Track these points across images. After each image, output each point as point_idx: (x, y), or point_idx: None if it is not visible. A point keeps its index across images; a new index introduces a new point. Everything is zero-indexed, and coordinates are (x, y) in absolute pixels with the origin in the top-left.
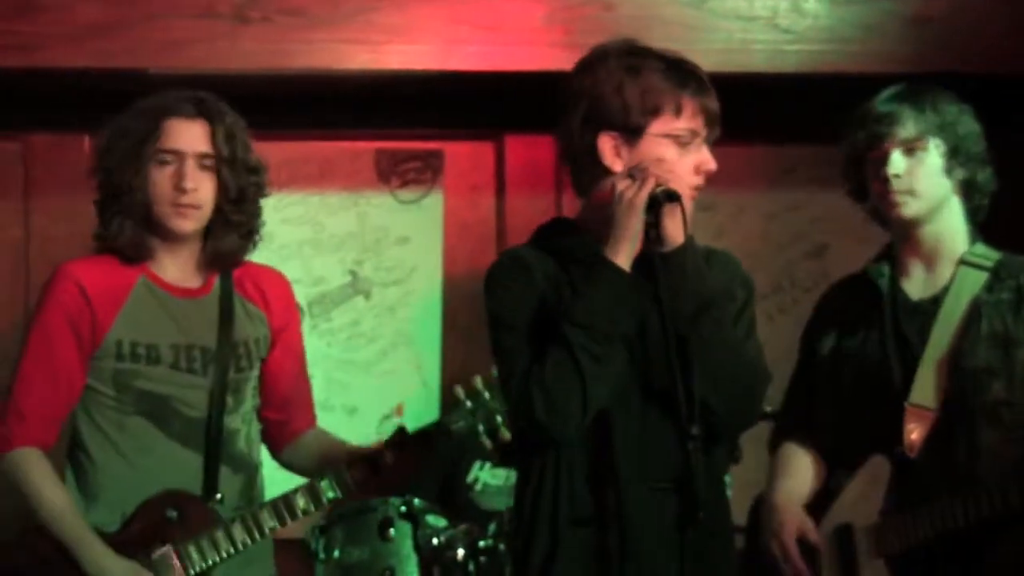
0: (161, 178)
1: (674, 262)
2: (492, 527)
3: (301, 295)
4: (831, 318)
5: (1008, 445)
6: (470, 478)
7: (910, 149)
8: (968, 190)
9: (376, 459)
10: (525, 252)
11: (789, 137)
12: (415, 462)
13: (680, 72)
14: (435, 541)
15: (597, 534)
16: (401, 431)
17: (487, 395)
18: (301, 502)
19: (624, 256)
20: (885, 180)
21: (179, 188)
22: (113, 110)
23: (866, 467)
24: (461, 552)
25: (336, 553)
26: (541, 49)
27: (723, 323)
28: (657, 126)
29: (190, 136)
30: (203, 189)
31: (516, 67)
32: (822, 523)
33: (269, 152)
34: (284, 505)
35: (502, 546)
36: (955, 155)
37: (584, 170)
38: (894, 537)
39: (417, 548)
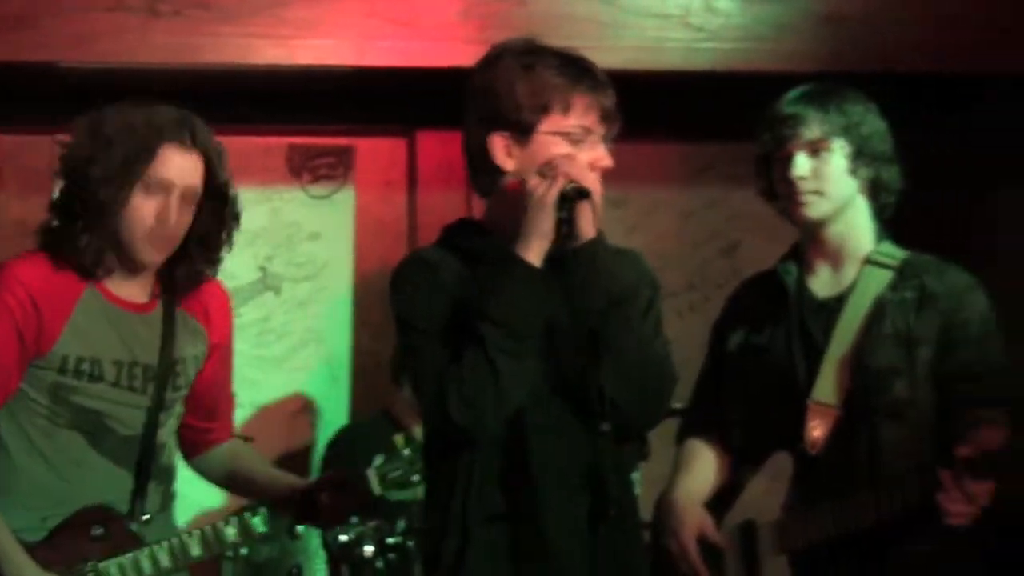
0: (145, 207)
1: (584, 257)
2: (401, 524)
3: None
4: (739, 315)
5: (909, 443)
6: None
7: (815, 150)
8: (874, 189)
9: (311, 500)
10: (430, 253)
11: (703, 135)
12: (350, 504)
13: (573, 69)
14: (343, 538)
15: (509, 531)
16: (339, 472)
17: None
18: (231, 533)
19: (536, 253)
20: (790, 181)
21: (161, 221)
22: (21, 103)
23: (769, 464)
24: (369, 549)
25: (244, 551)
26: (455, 45)
27: (632, 320)
28: (547, 124)
29: (184, 169)
30: (183, 223)
31: (430, 63)
32: (725, 519)
33: None
34: (213, 535)
35: (411, 543)
36: (860, 155)
37: (480, 170)
38: (796, 533)
39: (325, 545)
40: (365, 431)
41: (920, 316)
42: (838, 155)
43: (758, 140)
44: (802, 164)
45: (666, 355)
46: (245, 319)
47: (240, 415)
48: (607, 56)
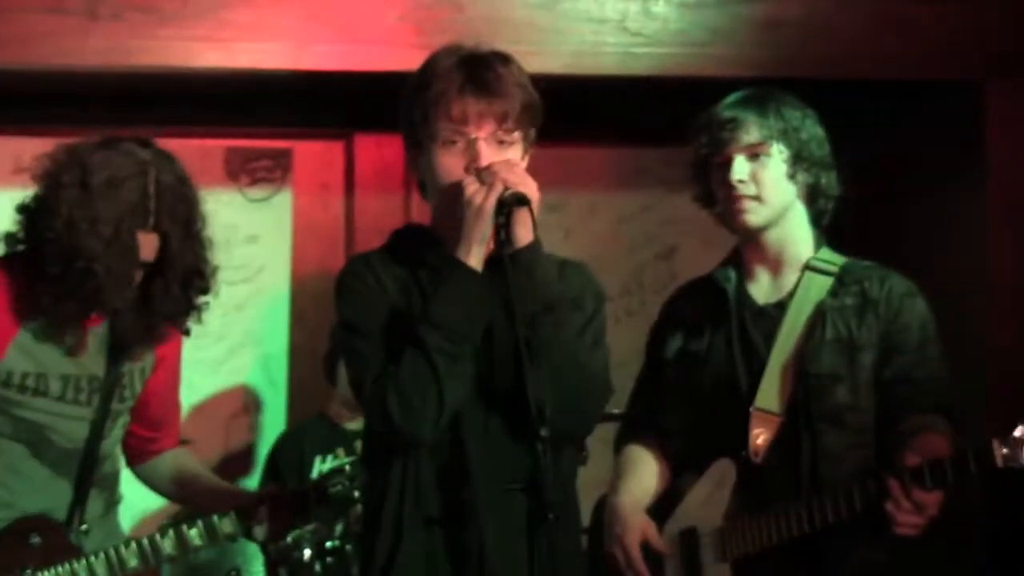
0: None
1: (521, 263)
2: (339, 527)
3: None
4: (677, 321)
5: (852, 449)
6: (314, 473)
7: (754, 154)
8: (812, 195)
9: (250, 514)
10: (374, 257)
11: (640, 139)
12: (289, 519)
13: (453, 74)
14: (281, 542)
15: (446, 534)
16: (278, 487)
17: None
18: (168, 546)
19: (474, 258)
20: (730, 186)
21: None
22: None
23: (711, 471)
24: (308, 552)
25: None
26: (393, 49)
27: (562, 326)
28: (427, 134)
29: (144, 247)
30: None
31: (368, 67)
32: (666, 526)
33: None
34: (150, 547)
35: (348, 547)
36: (798, 160)
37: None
38: (739, 541)
39: (263, 549)
40: (305, 434)
41: (861, 322)
42: (777, 159)
43: (694, 144)
44: (741, 168)
45: (602, 365)
46: None
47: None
48: (546, 61)
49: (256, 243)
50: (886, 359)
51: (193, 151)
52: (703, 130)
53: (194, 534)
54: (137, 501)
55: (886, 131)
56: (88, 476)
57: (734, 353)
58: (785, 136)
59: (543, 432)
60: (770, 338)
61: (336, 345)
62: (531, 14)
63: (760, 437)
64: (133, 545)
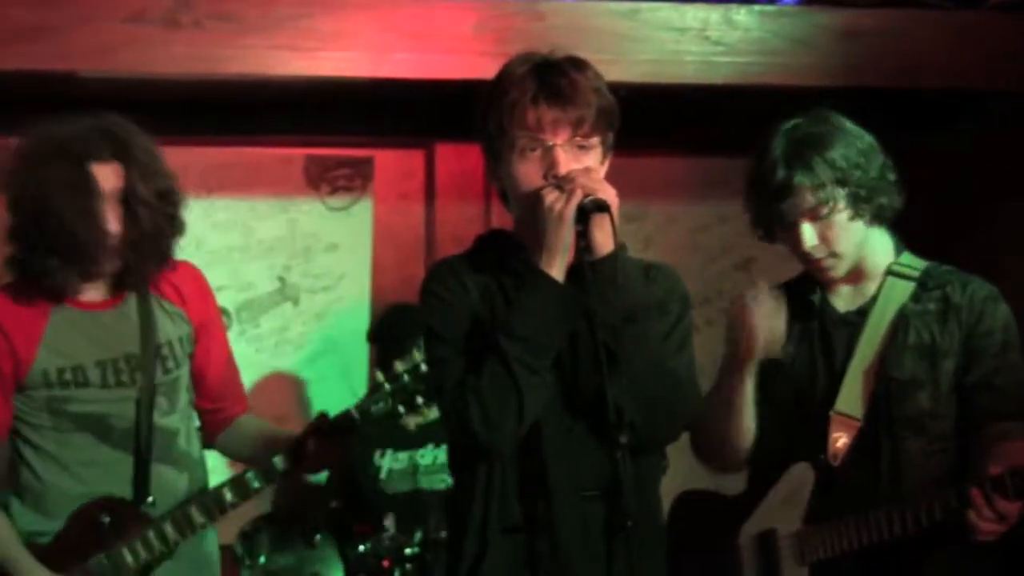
0: (87, 219)
1: (602, 270)
2: (418, 535)
3: (229, 300)
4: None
5: (932, 456)
6: (373, 469)
7: (815, 217)
8: (879, 216)
9: (300, 446)
10: (459, 262)
11: (719, 149)
12: (339, 446)
13: (526, 82)
14: (360, 549)
15: (527, 541)
16: (322, 417)
17: (406, 378)
18: (229, 495)
19: (557, 267)
20: (805, 253)
21: (103, 231)
22: (40, 113)
23: (790, 473)
24: (387, 559)
25: (262, 559)
26: (471, 58)
27: (646, 336)
28: (505, 143)
29: (109, 179)
30: (116, 225)
31: (446, 75)
32: (744, 527)
33: (199, 157)
34: (213, 500)
35: (428, 555)
36: (858, 200)
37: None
38: (818, 545)
39: (343, 555)
40: (410, 315)
41: (944, 327)
42: (840, 211)
43: (752, 215)
44: (810, 235)
45: (687, 372)
46: (263, 329)
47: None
48: (626, 69)
49: (336, 252)
50: (968, 365)
51: (273, 159)
52: (757, 200)
53: (251, 476)
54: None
55: (960, 139)
56: (146, 450)
57: (815, 358)
58: (839, 183)
59: (623, 440)
60: (852, 343)
61: (379, 337)
62: (612, 22)
63: (839, 441)
64: (196, 501)
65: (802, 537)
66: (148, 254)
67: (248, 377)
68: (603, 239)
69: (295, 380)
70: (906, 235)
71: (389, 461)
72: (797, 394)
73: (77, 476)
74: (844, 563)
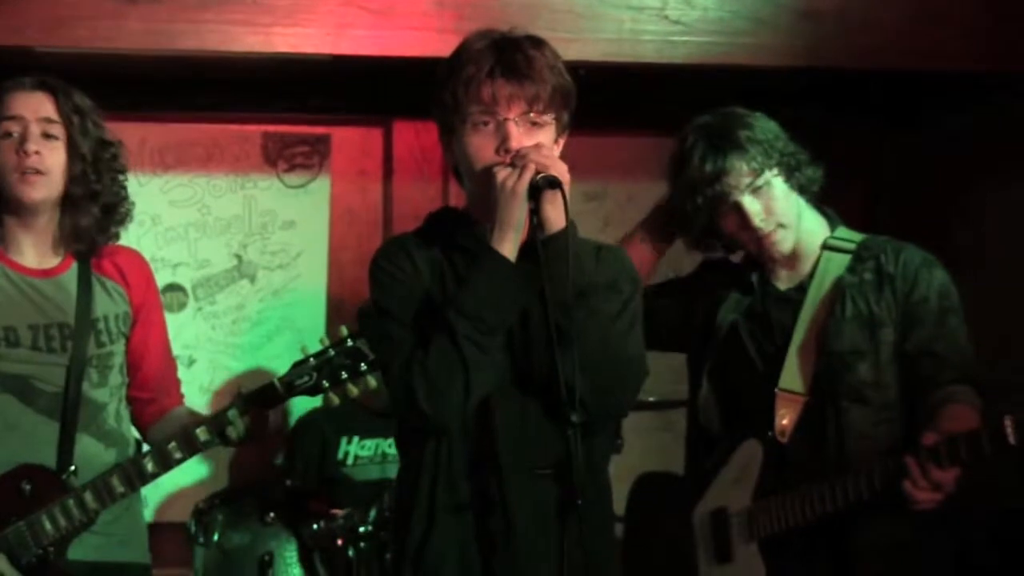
0: (5, 148)
1: (554, 247)
2: (372, 514)
3: (186, 277)
4: (707, 292)
5: (877, 426)
6: (340, 454)
7: (755, 190)
8: (807, 189)
9: (222, 418)
10: (409, 240)
11: (678, 128)
12: (261, 418)
13: (484, 57)
14: (315, 527)
15: (477, 520)
16: (240, 394)
17: (331, 352)
18: (150, 465)
19: (508, 245)
20: (752, 228)
21: (22, 152)
22: None
23: (739, 452)
24: (341, 537)
25: (216, 537)
26: (431, 35)
27: (597, 312)
28: (458, 117)
29: (32, 104)
30: (49, 156)
31: (405, 52)
32: (698, 506)
33: (155, 133)
34: (134, 469)
35: (382, 533)
36: (789, 167)
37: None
38: (766, 521)
39: (296, 534)
40: (327, 416)
41: (880, 297)
42: (773, 181)
43: (688, 209)
44: (755, 207)
45: (637, 348)
46: (220, 306)
47: (216, 402)
48: (584, 48)
49: (293, 229)
50: (906, 333)
51: (230, 136)
52: (692, 191)
53: (172, 447)
54: (165, 480)
55: (923, 121)
56: (72, 419)
57: (757, 337)
58: (767, 155)
59: (574, 417)
60: (792, 320)
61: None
62: (570, 1)
63: (785, 418)
64: (118, 470)
65: (751, 514)
66: (88, 198)
67: (205, 355)
68: (555, 216)
69: (251, 357)
70: (870, 219)
71: (355, 448)
72: (740, 371)
73: (1, 440)
74: (793, 537)
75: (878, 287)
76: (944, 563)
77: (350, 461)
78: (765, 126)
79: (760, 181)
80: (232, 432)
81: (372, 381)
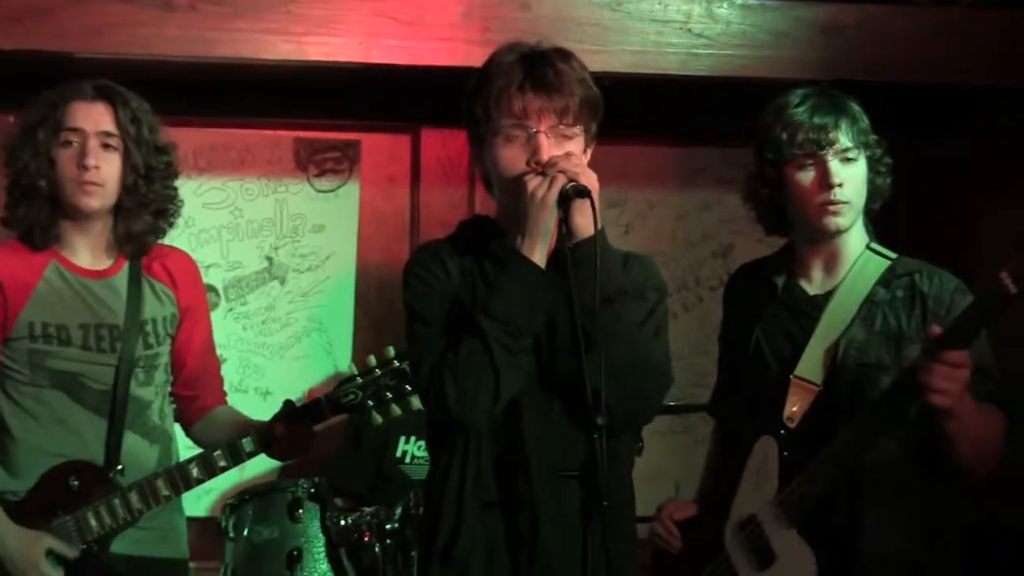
0: (65, 158)
1: (582, 252)
2: (399, 511)
3: (218, 278)
4: (733, 307)
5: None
6: (399, 452)
7: (846, 159)
8: (873, 195)
9: (268, 430)
10: (442, 245)
11: (700, 139)
12: (306, 432)
13: (513, 70)
14: (342, 522)
15: (504, 519)
16: (288, 404)
17: (378, 372)
18: (195, 471)
19: (538, 252)
20: (827, 188)
21: (81, 166)
22: (40, 92)
23: (753, 455)
24: (368, 534)
25: (245, 532)
26: (458, 45)
27: (623, 318)
28: (490, 129)
29: (91, 116)
30: (106, 167)
31: (433, 62)
32: (727, 529)
33: (190, 138)
34: (179, 474)
35: (408, 531)
36: (874, 160)
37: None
38: (796, 500)
39: (325, 529)
40: None
41: (910, 315)
42: (862, 164)
43: (771, 147)
44: (838, 171)
45: (662, 355)
46: (251, 307)
47: (245, 401)
48: (609, 59)
49: (323, 232)
50: None
51: (263, 141)
52: (787, 133)
53: (218, 455)
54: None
55: (942, 135)
56: (120, 417)
57: (780, 340)
58: (866, 138)
59: (599, 420)
60: (818, 315)
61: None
62: (596, 13)
63: (796, 405)
64: (164, 474)
65: (780, 503)
66: (142, 205)
67: (235, 354)
68: (584, 224)
69: (281, 356)
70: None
71: (412, 447)
72: (765, 369)
73: (50, 434)
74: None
75: (910, 305)
76: None
77: (407, 460)
78: (869, 121)
79: (852, 155)
80: (276, 451)
81: (416, 403)
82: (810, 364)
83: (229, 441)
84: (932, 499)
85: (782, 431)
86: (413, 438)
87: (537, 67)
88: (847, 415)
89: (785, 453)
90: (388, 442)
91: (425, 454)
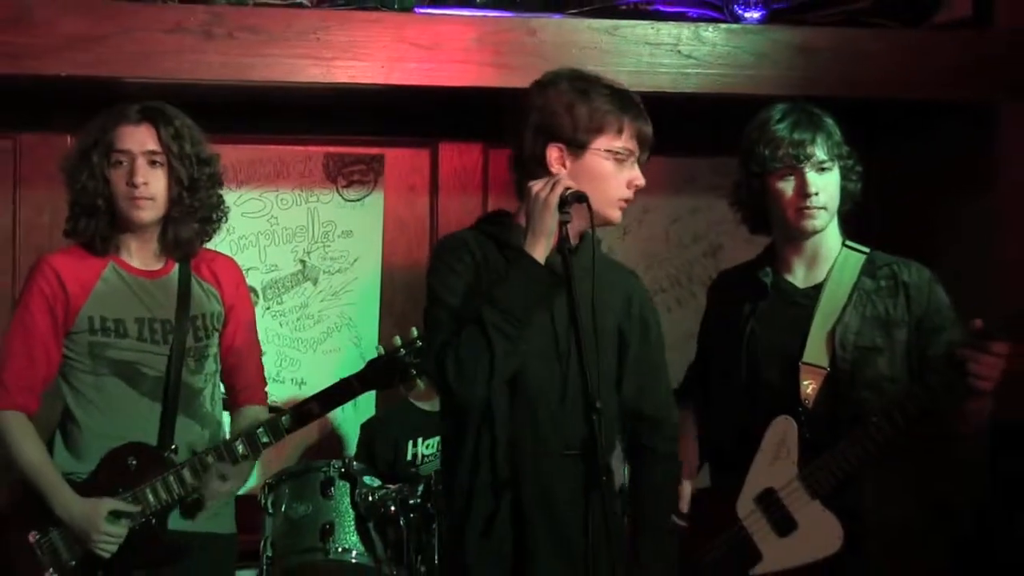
0: (117, 177)
1: (579, 251)
2: (420, 488)
3: (256, 280)
4: (722, 305)
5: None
6: (409, 457)
7: (821, 169)
8: (846, 199)
9: (305, 408)
10: (468, 235)
11: (690, 151)
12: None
13: (623, 99)
14: (370, 499)
15: (512, 495)
16: (324, 389)
17: (403, 351)
18: (240, 447)
19: (540, 250)
20: (806, 196)
21: (131, 184)
22: (92, 113)
23: (770, 434)
24: (393, 508)
25: (283, 508)
26: (472, 67)
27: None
28: (599, 143)
29: (137, 137)
30: (154, 183)
31: (450, 83)
32: (739, 502)
33: (230, 154)
34: (227, 449)
35: (429, 505)
36: (847, 170)
37: (529, 174)
38: (824, 476)
39: (354, 505)
40: (393, 420)
41: (895, 300)
42: (836, 174)
43: (754, 161)
44: (815, 181)
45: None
46: (286, 306)
47: (282, 390)
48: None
49: (351, 237)
50: (929, 338)
51: (296, 156)
52: (768, 149)
53: (261, 432)
54: None
55: (905, 148)
56: (173, 402)
57: (780, 326)
58: (839, 150)
59: (598, 404)
60: (811, 310)
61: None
62: (595, 37)
63: (810, 387)
64: (212, 450)
65: (804, 479)
66: (189, 214)
67: (273, 348)
68: (581, 226)
69: (314, 350)
70: (856, 229)
71: (420, 448)
72: (769, 354)
73: (110, 418)
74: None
75: (894, 293)
76: (943, 550)
77: (419, 461)
78: (841, 132)
79: (827, 165)
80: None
81: (421, 384)
82: (815, 349)
83: (271, 419)
84: (931, 468)
85: (800, 412)
86: (419, 439)
87: (632, 98)
88: (852, 394)
89: (806, 433)
90: (398, 451)
91: (434, 451)
